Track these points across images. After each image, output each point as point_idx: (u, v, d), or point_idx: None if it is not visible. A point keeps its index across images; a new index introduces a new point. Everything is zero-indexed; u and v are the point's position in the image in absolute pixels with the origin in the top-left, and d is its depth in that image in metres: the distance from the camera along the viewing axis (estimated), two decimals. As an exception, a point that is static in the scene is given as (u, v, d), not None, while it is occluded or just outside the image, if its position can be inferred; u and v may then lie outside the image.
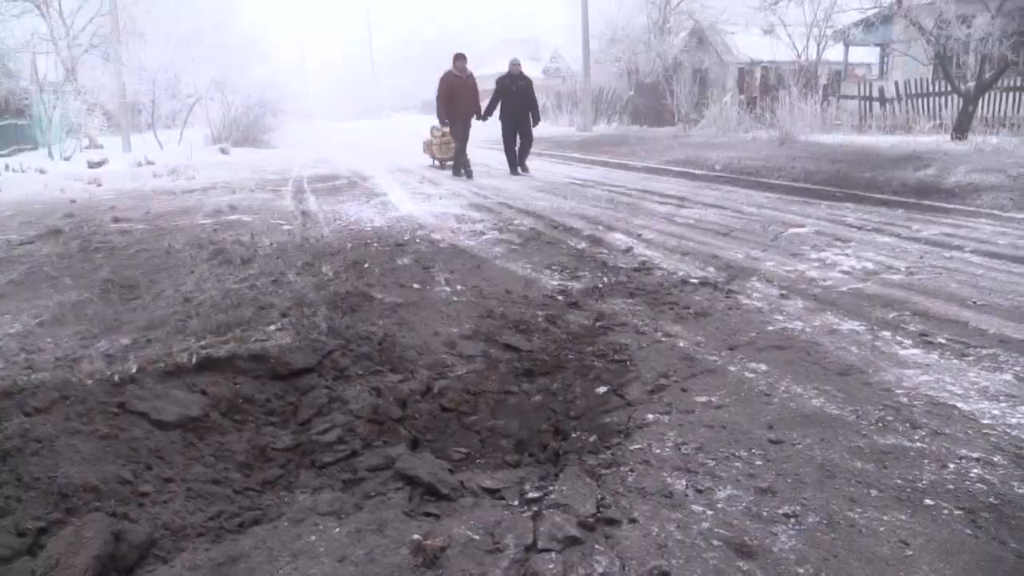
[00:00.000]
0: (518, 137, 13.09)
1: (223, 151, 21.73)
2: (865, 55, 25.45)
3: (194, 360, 3.55)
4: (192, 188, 12.29)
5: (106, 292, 5.13)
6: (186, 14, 28.99)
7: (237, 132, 24.82)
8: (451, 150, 13.68)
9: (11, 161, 16.90)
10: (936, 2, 14.18)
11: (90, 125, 22.28)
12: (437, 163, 14.93)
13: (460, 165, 12.85)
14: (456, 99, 12.48)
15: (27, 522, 2.22)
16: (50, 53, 26.15)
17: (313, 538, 2.18)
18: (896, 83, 17.62)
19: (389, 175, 13.91)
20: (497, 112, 13.10)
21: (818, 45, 21.09)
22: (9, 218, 9.03)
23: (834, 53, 23.06)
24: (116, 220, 8.42)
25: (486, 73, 57.02)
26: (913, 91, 16.83)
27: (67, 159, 18.79)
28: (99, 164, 16.86)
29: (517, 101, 12.83)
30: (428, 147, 15.43)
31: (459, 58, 12.62)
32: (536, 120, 13.16)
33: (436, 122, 14.13)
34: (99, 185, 12.94)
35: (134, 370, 3.41)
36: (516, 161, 13.11)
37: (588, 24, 26.86)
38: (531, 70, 52.14)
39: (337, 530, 2.22)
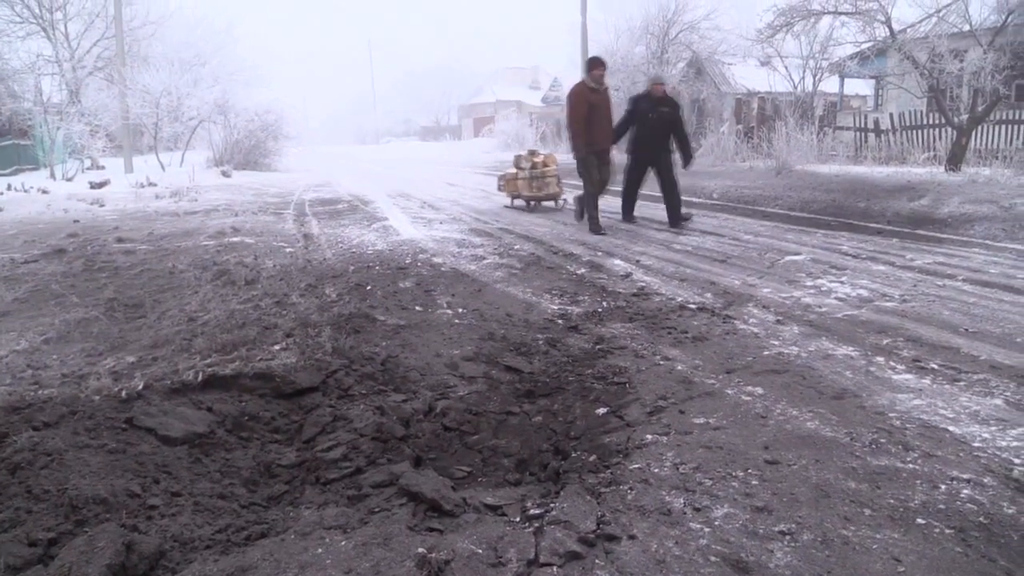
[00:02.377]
0: (652, 180, 9.61)
1: (225, 174, 21.89)
2: (860, 87, 25.85)
3: (200, 378, 3.61)
4: (194, 210, 12.39)
5: (111, 311, 5.19)
6: (189, 38, 29.36)
7: (239, 155, 25.03)
8: (548, 187, 11.20)
9: (14, 181, 17.02)
10: (929, 37, 14.47)
11: (93, 146, 22.46)
12: (524, 203, 11.65)
13: (596, 215, 9.08)
14: (592, 122, 8.88)
15: (38, 533, 2.27)
16: (55, 75, 26.44)
17: (320, 551, 2.23)
18: (891, 115, 17.89)
19: (390, 200, 14.04)
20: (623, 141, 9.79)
21: (814, 77, 21.43)
22: (13, 237, 9.11)
23: (830, 85, 23.43)
24: (120, 240, 8.50)
25: (484, 100, 57.61)
26: (907, 123, 17.08)
27: (69, 180, 18.94)
28: (101, 185, 17.01)
29: (658, 132, 9.30)
30: (510, 182, 11.72)
31: (596, 64, 9.02)
32: (688, 158, 9.67)
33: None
34: (102, 206, 13.05)
35: (141, 387, 3.47)
36: (631, 206, 9.99)
37: (588, 54, 27.24)
38: (531, 98, 52.82)
39: (343, 543, 2.27)
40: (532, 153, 11.67)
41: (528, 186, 11.30)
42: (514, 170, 11.61)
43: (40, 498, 2.46)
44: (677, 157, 9.62)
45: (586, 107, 8.76)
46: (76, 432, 2.94)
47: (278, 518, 2.56)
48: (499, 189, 12.39)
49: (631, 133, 9.48)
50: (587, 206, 9.19)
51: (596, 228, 8.99)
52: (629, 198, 9.89)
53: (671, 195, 9.34)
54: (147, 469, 2.75)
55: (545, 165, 11.27)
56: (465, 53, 71.99)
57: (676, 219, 9.33)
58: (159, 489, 2.63)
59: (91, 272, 6.66)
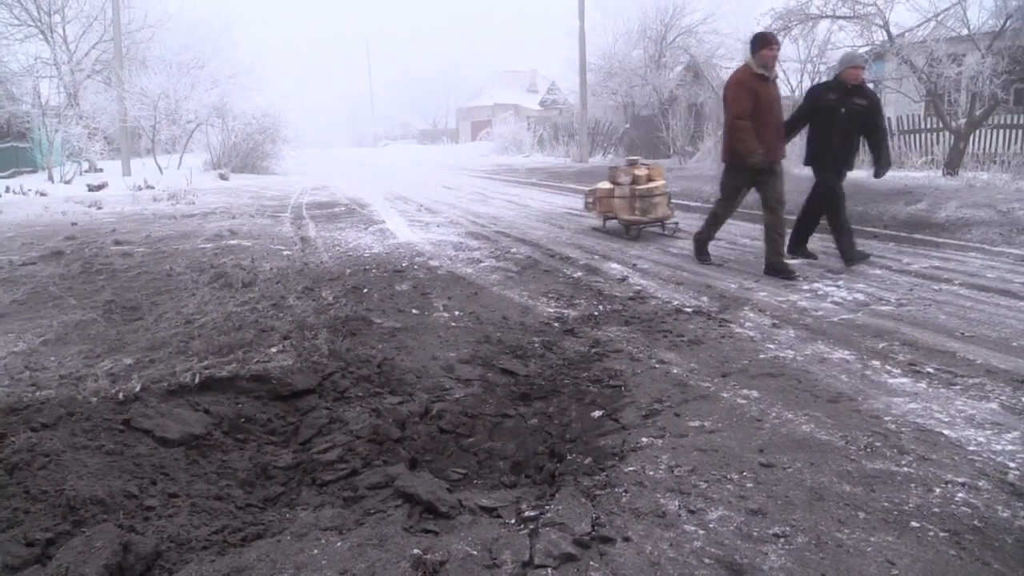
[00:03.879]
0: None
1: (222, 177, 21.91)
2: (858, 91, 25.83)
3: (197, 380, 3.62)
4: (192, 213, 12.40)
5: (109, 313, 5.20)
6: (188, 41, 29.38)
7: (236, 158, 25.04)
8: (657, 208, 8.82)
9: (12, 183, 17.02)
10: (928, 41, 14.51)
11: (91, 149, 22.46)
12: (626, 227, 8.96)
13: (709, 238, 7.28)
14: (759, 121, 6.47)
15: (36, 533, 2.27)
16: (53, 78, 26.45)
17: (316, 551, 2.23)
18: (888, 119, 17.91)
19: (387, 203, 14.05)
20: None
21: (812, 81, 21.44)
22: (11, 239, 9.11)
23: (827, 89, 23.39)
24: (117, 243, 8.50)
25: (482, 104, 57.65)
26: (905, 127, 17.14)
27: (67, 182, 18.93)
28: (99, 188, 17.01)
29: (851, 132, 6.82)
30: (603, 200, 9.26)
31: (766, 42, 6.49)
32: (885, 166, 6.90)
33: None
34: (99, 208, 13.05)
35: (138, 389, 3.48)
36: (807, 236, 7.46)
37: (585, 58, 27.34)
38: (528, 102, 52.90)
39: (339, 544, 2.27)
40: (632, 164, 9.15)
41: (628, 207, 8.82)
42: (607, 185, 9.20)
43: (38, 498, 2.46)
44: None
45: (751, 100, 6.40)
46: (74, 433, 2.94)
47: (274, 519, 2.57)
48: (586, 208, 9.92)
49: (809, 135, 7.16)
50: (708, 226, 7.21)
51: (704, 255, 7.12)
52: (807, 225, 7.42)
53: (839, 225, 6.85)
54: (144, 470, 2.76)
55: (650, 179, 8.88)
56: (463, 56, 72.14)
57: (853, 252, 6.74)
58: (156, 490, 2.63)
59: (89, 274, 6.66)
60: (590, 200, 9.72)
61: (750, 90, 6.44)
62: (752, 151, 6.37)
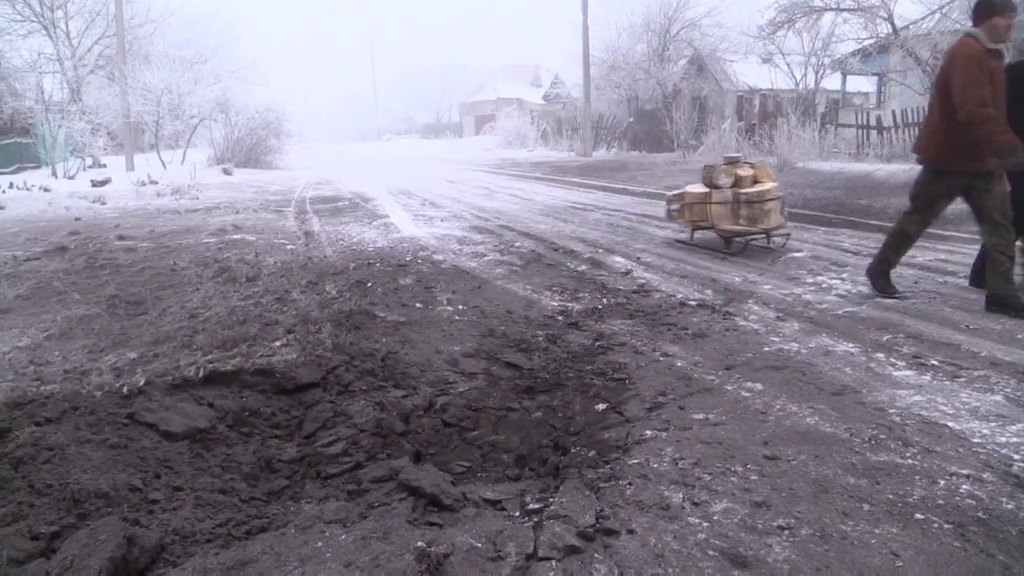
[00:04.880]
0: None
1: (226, 171, 21.92)
2: (863, 84, 25.81)
3: (201, 374, 3.62)
4: (196, 208, 12.41)
5: (113, 308, 5.20)
6: (190, 36, 29.37)
7: (240, 153, 25.04)
8: (769, 216, 7.09)
9: (16, 179, 17.05)
10: (932, 33, 14.44)
11: (94, 144, 22.49)
12: (726, 240, 7.29)
13: (886, 274, 5.47)
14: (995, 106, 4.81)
15: (40, 526, 2.28)
16: (56, 73, 26.47)
17: (320, 544, 2.24)
18: (893, 112, 17.85)
19: (391, 197, 14.05)
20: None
21: (816, 74, 21.40)
22: (15, 235, 9.13)
23: (832, 82, 23.40)
24: (121, 238, 8.51)
25: (485, 98, 57.60)
26: (910, 120, 17.05)
27: (71, 178, 18.96)
28: (103, 183, 17.03)
29: None
30: (695, 207, 7.60)
31: (1002, 7, 4.94)
32: None
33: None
34: (103, 204, 13.07)
35: (142, 383, 3.48)
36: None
37: (589, 51, 27.27)
38: (532, 96, 52.82)
39: (343, 537, 2.28)
40: (733, 162, 7.50)
41: (731, 214, 7.23)
42: (699, 189, 7.65)
43: (42, 492, 2.47)
44: None
45: (985, 76, 4.81)
46: (78, 427, 2.95)
47: (278, 512, 2.57)
48: (669, 217, 8.09)
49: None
50: (891, 249, 5.50)
51: (887, 286, 5.40)
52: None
53: None
54: (148, 464, 2.76)
55: (757, 181, 7.31)
56: (466, 51, 72.08)
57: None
58: (160, 484, 2.64)
59: (93, 269, 6.68)
60: (675, 207, 7.91)
61: (985, 70, 4.84)
62: (1012, 147, 4.66)
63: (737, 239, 7.25)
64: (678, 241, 7.99)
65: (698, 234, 7.82)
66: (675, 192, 8.12)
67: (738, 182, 7.25)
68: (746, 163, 7.60)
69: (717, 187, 7.31)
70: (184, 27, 30.33)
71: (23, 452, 2.69)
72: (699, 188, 7.66)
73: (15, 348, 4.26)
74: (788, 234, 7.44)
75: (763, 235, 7.29)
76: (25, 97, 24.75)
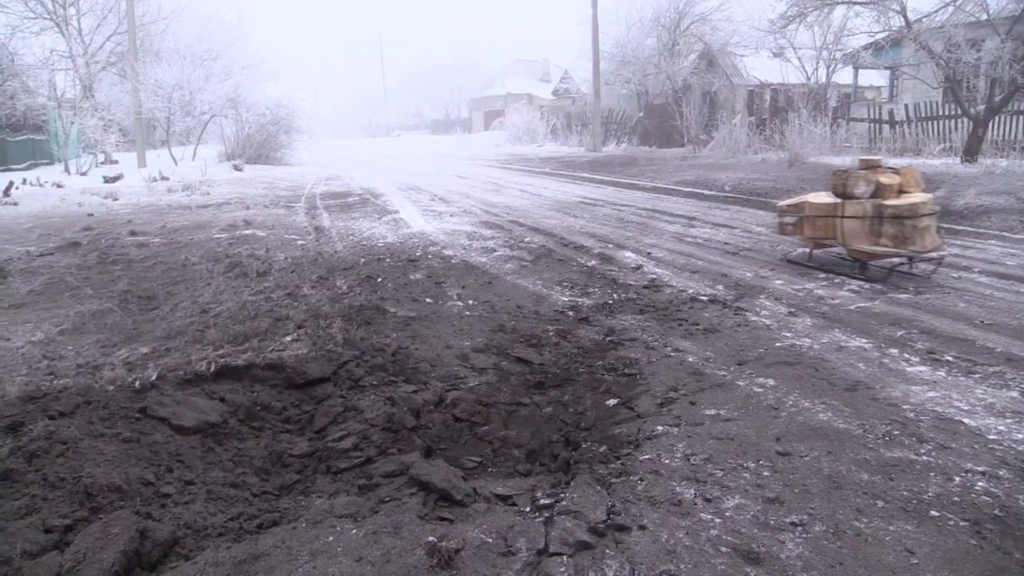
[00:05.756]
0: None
1: (236, 168, 21.97)
2: (875, 78, 25.60)
3: (212, 368, 3.63)
4: (207, 203, 12.45)
5: (125, 303, 5.23)
6: (201, 33, 29.45)
7: (250, 149, 25.08)
8: (924, 236, 5.56)
9: (29, 175, 17.15)
10: (946, 26, 14.30)
11: (106, 141, 22.59)
12: (862, 262, 5.96)
13: None
14: None
15: (54, 519, 2.29)
16: (68, 70, 26.56)
17: (331, 539, 2.24)
18: (906, 106, 17.72)
19: (401, 193, 14.05)
20: None
21: (827, 68, 21.24)
22: (28, 230, 9.18)
23: (844, 76, 23.21)
24: (133, 233, 8.55)
25: (495, 93, 57.57)
26: (923, 114, 16.92)
27: (83, 174, 19.05)
28: (115, 179, 17.11)
29: None
30: (818, 222, 6.25)
31: None
32: None
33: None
34: (115, 199, 13.13)
35: (154, 377, 3.50)
36: None
37: (598, 46, 27.16)
38: (541, 91, 52.71)
39: (354, 531, 2.28)
40: (872, 166, 6.04)
41: (870, 232, 5.82)
42: (824, 198, 6.34)
43: (56, 486, 2.48)
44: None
45: None
46: (91, 421, 2.97)
47: (290, 507, 2.57)
48: (782, 231, 6.76)
49: None
50: None
51: None
52: None
53: None
54: (161, 458, 2.77)
55: (903, 190, 5.91)
56: (476, 46, 71.89)
57: None
58: (172, 477, 2.65)
59: (105, 265, 6.71)
60: (790, 220, 6.59)
61: None
62: None
63: (874, 263, 5.93)
64: (790, 261, 6.60)
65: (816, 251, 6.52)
66: (791, 202, 6.74)
67: (880, 191, 5.83)
68: (889, 168, 6.13)
69: (854, 197, 5.95)
70: (195, 24, 30.41)
71: (36, 446, 2.70)
72: (824, 198, 6.34)
73: (29, 343, 4.29)
74: (942, 257, 5.84)
75: (909, 259, 5.80)
76: (38, 94, 24.86)
